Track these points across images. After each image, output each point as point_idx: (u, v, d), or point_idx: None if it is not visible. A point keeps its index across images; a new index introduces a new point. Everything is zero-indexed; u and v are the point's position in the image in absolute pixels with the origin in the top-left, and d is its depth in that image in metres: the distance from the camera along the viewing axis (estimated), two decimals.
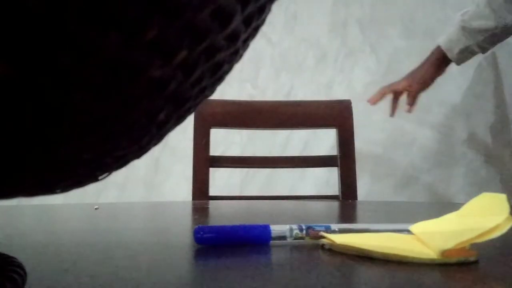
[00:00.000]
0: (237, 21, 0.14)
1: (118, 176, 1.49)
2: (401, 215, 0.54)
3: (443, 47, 1.11)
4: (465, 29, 1.08)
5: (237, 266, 0.24)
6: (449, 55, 1.11)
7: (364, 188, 1.45)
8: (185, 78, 0.14)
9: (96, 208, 0.56)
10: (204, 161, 1.01)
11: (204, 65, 0.14)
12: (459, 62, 1.12)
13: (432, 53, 1.14)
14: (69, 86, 0.12)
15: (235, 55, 0.16)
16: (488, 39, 1.08)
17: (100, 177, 0.18)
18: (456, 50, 1.10)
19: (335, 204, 0.74)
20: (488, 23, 1.05)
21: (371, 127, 1.50)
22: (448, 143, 1.50)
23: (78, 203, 0.73)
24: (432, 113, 1.50)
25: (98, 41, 0.11)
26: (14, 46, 0.10)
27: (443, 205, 0.72)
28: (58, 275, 0.22)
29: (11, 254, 0.20)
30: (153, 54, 0.12)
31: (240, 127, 1.10)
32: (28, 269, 0.18)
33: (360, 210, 0.62)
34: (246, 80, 1.56)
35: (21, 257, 0.19)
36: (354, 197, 1.02)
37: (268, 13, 0.16)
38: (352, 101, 1.08)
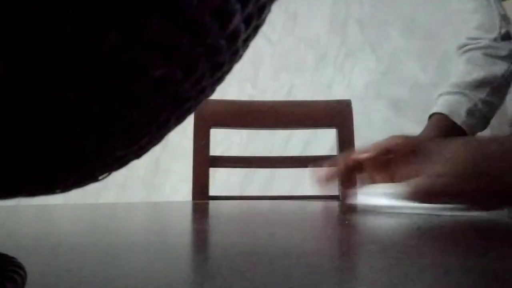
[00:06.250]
0: (237, 21, 0.14)
1: (118, 176, 1.49)
2: (401, 215, 0.54)
3: (448, 114, 0.88)
4: (460, 88, 0.91)
5: (238, 266, 0.24)
6: (458, 120, 0.87)
7: None
8: (185, 78, 0.14)
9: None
10: (204, 161, 1.01)
11: (204, 65, 0.14)
12: (471, 129, 0.89)
13: (434, 124, 0.90)
14: (69, 86, 0.12)
15: (235, 55, 0.16)
16: (490, 93, 0.90)
17: (100, 177, 0.18)
18: (463, 114, 0.88)
19: (335, 204, 0.74)
20: (480, 74, 0.90)
21: (371, 127, 1.50)
22: None
23: (78, 203, 0.73)
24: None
25: (97, 41, 0.11)
26: (13, 46, 0.10)
27: (443, 205, 0.72)
28: (58, 275, 0.22)
29: (11, 254, 0.20)
30: (153, 54, 0.12)
31: (240, 127, 1.10)
32: (28, 269, 0.18)
33: (360, 210, 0.62)
34: (246, 80, 1.56)
35: (21, 257, 0.19)
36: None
37: (268, 13, 0.16)
38: (352, 101, 1.08)
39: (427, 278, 0.21)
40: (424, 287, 0.20)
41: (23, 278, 0.18)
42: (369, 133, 1.50)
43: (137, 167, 1.54)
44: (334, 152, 1.07)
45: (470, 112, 0.88)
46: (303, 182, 1.53)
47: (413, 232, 0.37)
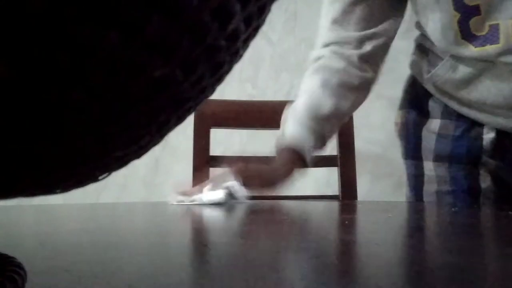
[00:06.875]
0: (237, 21, 0.14)
1: (118, 176, 1.49)
2: (401, 215, 0.54)
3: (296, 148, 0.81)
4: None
5: (238, 266, 0.24)
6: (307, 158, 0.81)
7: (364, 188, 1.45)
8: (185, 78, 0.14)
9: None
10: (204, 161, 1.01)
11: (204, 65, 0.14)
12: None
13: (283, 155, 0.83)
14: (69, 86, 0.12)
15: (235, 55, 0.16)
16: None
17: (100, 177, 0.18)
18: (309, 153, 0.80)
19: (335, 204, 0.74)
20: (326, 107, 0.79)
21: (371, 127, 1.50)
22: None
23: (78, 203, 0.73)
24: None
25: (97, 41, 0.11)
26: (13, 46, 0.10)
27: (442, 205, 0.72)
28: (58, 275, 0.22)
29: (11, 254, 0.20)
30: (153, 54, 0.12)
31: (240, 127, 1.10)
32: (28, 269, 0.18)
33: (360, 210, 0.62)
34: (246, 80, 1.56)
35: (21, 257, 0.19)
36: (354, 197, 1.02)
37: (268, 13, 0.16)
38: None
39: (427, 277, 0.21)
40: (422, 286, 0.20)
41: (23, 278, 0.18)
42: (369, 133, 1.50)
43: (137, 167, 1.54)
44: (334, 152, 1.07)
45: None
46: (303, 182, 1.53)
47: (413, 231, 0.37)
